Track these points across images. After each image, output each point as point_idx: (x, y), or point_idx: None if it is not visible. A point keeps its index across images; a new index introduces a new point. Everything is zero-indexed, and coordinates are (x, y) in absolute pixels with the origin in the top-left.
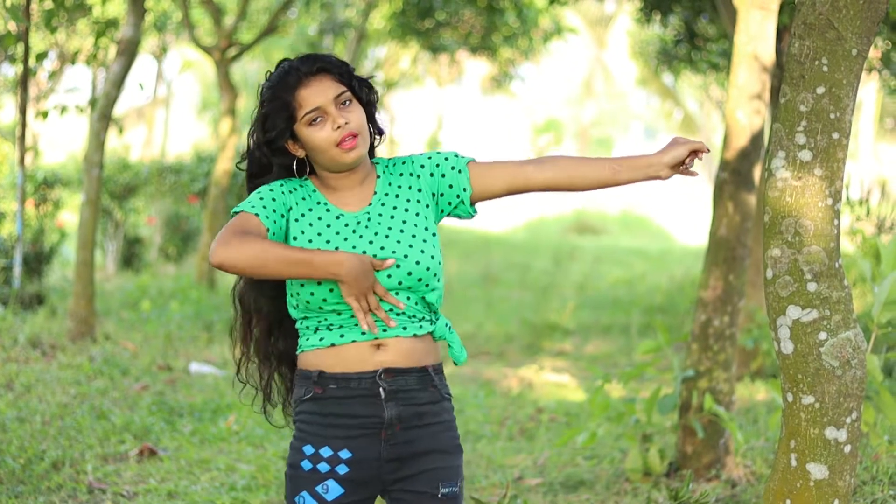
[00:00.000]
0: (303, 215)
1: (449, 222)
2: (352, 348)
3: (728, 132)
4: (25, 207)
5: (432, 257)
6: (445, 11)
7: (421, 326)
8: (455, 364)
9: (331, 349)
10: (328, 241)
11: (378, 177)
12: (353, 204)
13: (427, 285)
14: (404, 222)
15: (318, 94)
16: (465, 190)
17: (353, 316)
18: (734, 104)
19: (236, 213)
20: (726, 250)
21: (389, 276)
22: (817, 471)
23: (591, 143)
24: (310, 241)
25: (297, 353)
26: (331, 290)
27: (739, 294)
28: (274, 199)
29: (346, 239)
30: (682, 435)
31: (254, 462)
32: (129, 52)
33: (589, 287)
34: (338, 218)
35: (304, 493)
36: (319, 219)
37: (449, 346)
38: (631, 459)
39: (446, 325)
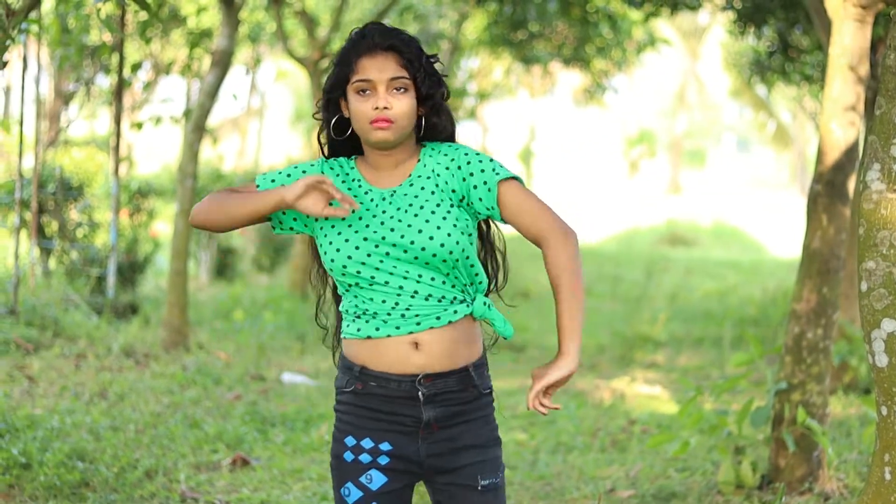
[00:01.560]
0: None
1: None
2: (389, 345)
3: (822, 144)
4: (120, 217)
5: (449, 235)
6: (538, 23)
7: (455, 311)
8: (504, 339)
9: (368, 342)
10: (354, 212)
11: (419, 160)
12: (386, 183)
13: (445, 261)
14: (425, 202)
15: (376, 68)
16: (492, 209)
17: (384, 301)
18: (828, 116)
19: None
20: (820, 262)
21: (405, 250)
22: None
23: (683, 155)
24: (343, 219)
25: (342, 336)
26: (349, 257)
27: (833, 307)
28: (290, 176)
29: (367, 210)
30: (774, 448)
31: None
32: (222, 62)
33: (681, 299)
34: (366, 193)
35: (349, 485)
36: (349, 190)
37: (492, 323)
38: (723, 472)
39: (484, 303)
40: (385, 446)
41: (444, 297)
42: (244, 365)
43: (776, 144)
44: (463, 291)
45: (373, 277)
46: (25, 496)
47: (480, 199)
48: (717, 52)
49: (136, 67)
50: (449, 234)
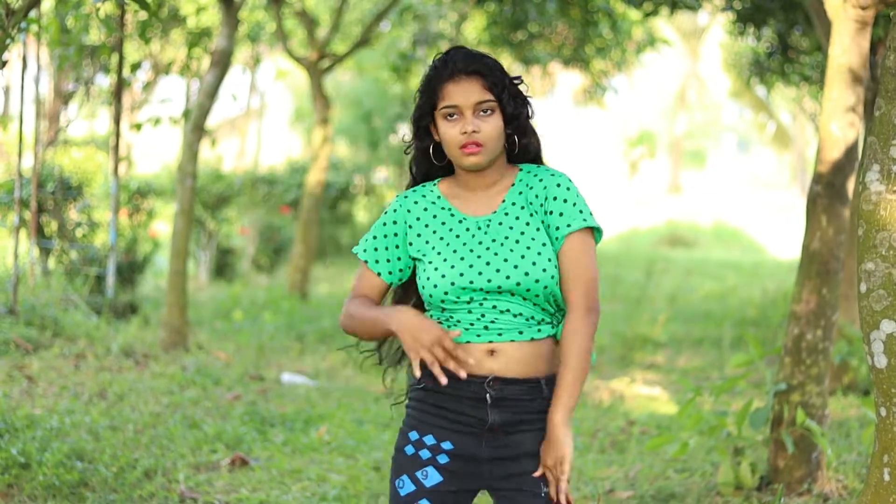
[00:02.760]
0: (426, 226)
1: None
2: (466, 349)
3: (822, 145)
4: (119, 217)
5: (544, 270)
6: (538, 23)
7: (539, 330)
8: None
9: None
10: (448, 244)
11: (513, 184)
12: (478, 209)
13: (537, 295)
14: (522, 233)
15: (461, 93)
16: (556, 240)
17: (470, 312)
18: (828, 117)
19: (356, 254)
20: (819, 264)
21: (500, 286)
22: None
23: (683, 156)
24: (435, 249)
25: None
26: (452, 283)
27: (833, 308)
28: (385, 236)
29: (465, 243)
30: (773, 449)
31: (345, 472)
32: (222, 62)
33: (680, 299)
34: (460, 222)
35: (405, 477)
36: (443, 224)
37: None
38: (722, 473)
39: None
40: (447, 445)
41: (532, 318)
42: (244, 365)
43: (776, 145)
44: (551, 315)
45: (467, 303)
46: (24, 496)
47: (557, 227)
48: (717, 53)
49: (135, 67)
50: (544, 270)
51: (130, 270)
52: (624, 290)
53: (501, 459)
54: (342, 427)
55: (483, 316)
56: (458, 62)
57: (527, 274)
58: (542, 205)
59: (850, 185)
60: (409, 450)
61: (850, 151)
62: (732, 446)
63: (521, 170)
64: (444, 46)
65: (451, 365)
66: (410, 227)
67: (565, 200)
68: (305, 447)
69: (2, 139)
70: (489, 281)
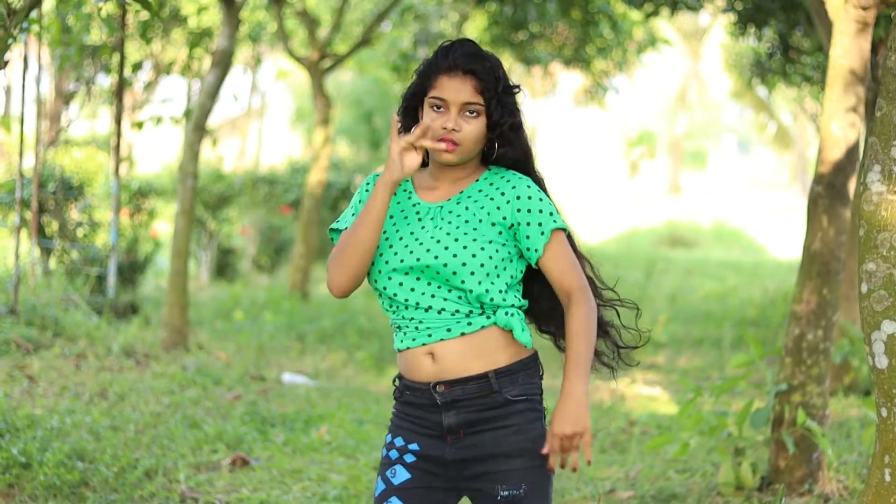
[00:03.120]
0: (392, 206)
1: None
2: (411, 356)
3: (823, 145)
4: (120, 217)
5: (474, 255)
6: (539, 23)
7: (470, 323)
8: (525, 347)
9: (401, 354)
10: (398, 230)
11: (476, 180)
12: (435, 196)
13: (462, 281)
14: (466, 221)
15: (452, 89)
16: (536, 251)
17: (403, 317)
18: (829, 117)
19: (333, 229)
20: (820, 264)
21: (428, 265)
22: None
23: (684, 156)
24: (386, 236)
25: None
26: (386, 262)
27: (833, 308)
28: (360, 202)
29: (408, 225)
30: (774, 449)
31: (345, 472)
32: (223, 62)
33: (681, 300)
34: (413, 206)
35: (378, 478)
36: (399, 207)
37: (511, 330)
38: (723, 473)
39: (506, 312)
40: (413, 446)
41: (458, 311)
42: (244, 365)
43: (777, 146)
44: (481, 306)
45: (394, 296)
46: (25, 496)
47: (528, 237)
48: (718, 53)
49: (136, 67)
50: (474, 256)
51: (131, 270)
52: (624, 290)
53: (465, 461)
54: (342, 427)
55: (412, 319)
56: (459, 57)
57: (455, 256)
58: (509, 203)
59: (852, 186)
60: (384, 452)
61: (851, 152)
62: (733, 446)
63: (489, 170)
64: None
65: (428, 138)
66: None
67: (541, 201)
68: (306, 447)
69: (3, 139)
70: (418, 260)
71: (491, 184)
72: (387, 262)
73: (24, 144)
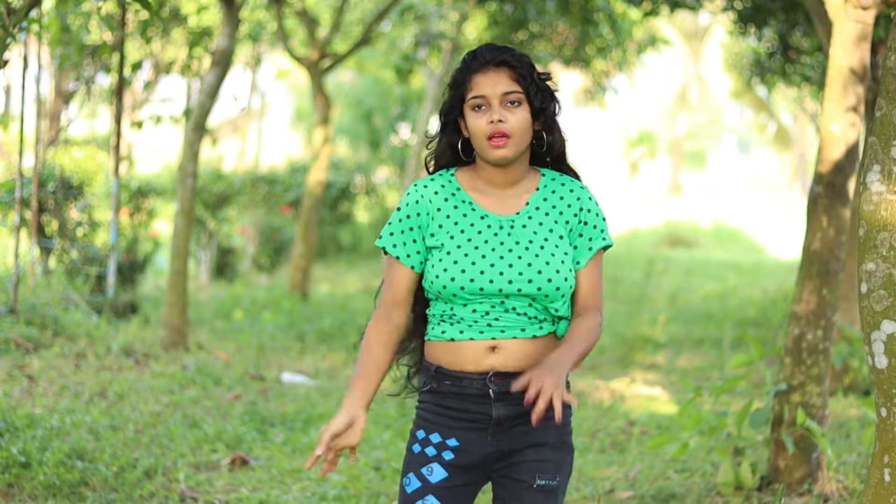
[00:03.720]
0: (448, 217)
1: None
2: (468, 347)
3: (822, 145)
4: (120, 217)
5: (566, 279)
6: (538, 23)
7: (541, 327)
8: None
9: (449, 344)
10: (470, 240)
11: (537, 189)
12: (501, 207)
13: (552, 301)
14: (546, 240)
15: (489, 84)
16: (577, 263)
17: (474, 310)
18: (829, 117)
19: (380, 248)
20: (820, 264)
21: (520, 289)
22: None
23: (684, 156)
24: (455, 241)
25: (425, 339)
26: (471, 280)
27: (833, 308)
28: (411, 229)
29: (486, 241)
30: (774, 449)
31: (345, 472)
32: (223, 62)
33: (681, 300)
34: (482, 218)
35: (411, 475)
36: (465, 216)
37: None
38: (723, 473)
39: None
40: (452, 442)
41: (535, 317)
42: (244, 365)
43: (777, 146)
44: (553, 315)
45: (479, 302)
46: (25, 495)
47: (576, 248)
48: (718, 54)
49: (136, 67)
50: (566, 279)
51: (131, 270)
52: (624, 290)
53: (502, 452)
54: None
55: (487, 314)
56: (486, 54)
57: (549, 281)
58: (576, 216)
59: (851, 186)
60: (416, 448)
61: (851, 152)
62: (733, 446)
63: (543, 175)
64: (446, 46)
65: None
66: (432, 217)
67: (597, 216)
68: (306, 447)
69: (3, 139)
70: (510, 283)
71: (553, 192)
72: (472, 280)
73: (24, 144)
